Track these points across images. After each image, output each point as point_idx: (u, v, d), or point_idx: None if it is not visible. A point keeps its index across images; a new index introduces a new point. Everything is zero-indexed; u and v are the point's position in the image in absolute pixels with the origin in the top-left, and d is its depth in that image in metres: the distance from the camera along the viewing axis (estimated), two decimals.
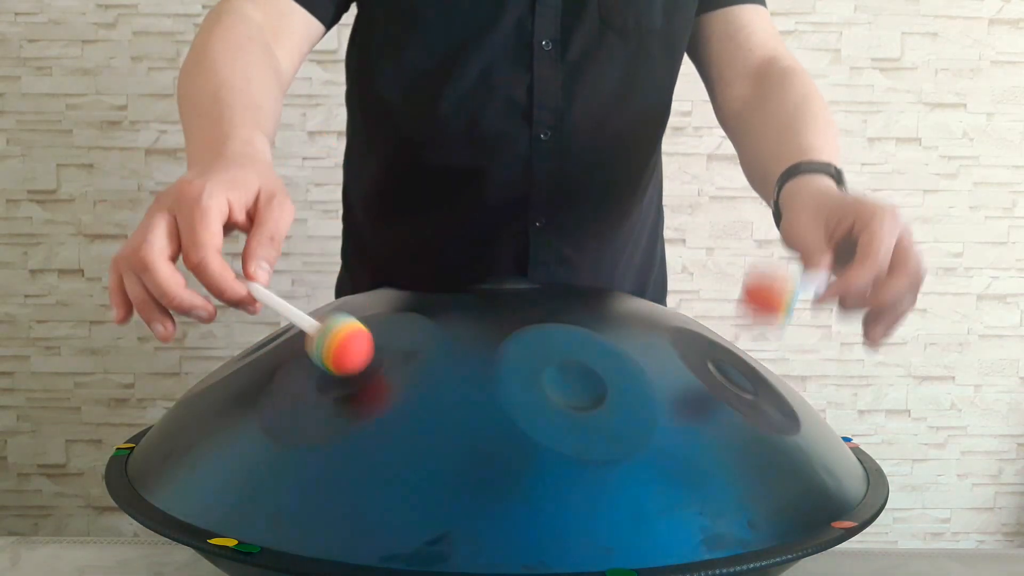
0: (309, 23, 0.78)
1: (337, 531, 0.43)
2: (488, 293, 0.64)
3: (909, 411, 1.60)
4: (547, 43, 0.79)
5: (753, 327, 0.52)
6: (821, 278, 0.55)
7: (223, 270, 0.48)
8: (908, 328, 1.58)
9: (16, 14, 1.45)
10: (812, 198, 0.61)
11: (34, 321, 1.52)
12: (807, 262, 0.57)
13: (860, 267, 0.54)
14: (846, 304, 0.56)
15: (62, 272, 1.51)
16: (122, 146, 1.48)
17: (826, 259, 0.57)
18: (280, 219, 0.51)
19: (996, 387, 1.60)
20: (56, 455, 1.55)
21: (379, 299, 0.64)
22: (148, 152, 1.48)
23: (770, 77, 0.81)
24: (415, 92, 0.81)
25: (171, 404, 0.69)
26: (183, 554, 0.69)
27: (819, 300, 0.56)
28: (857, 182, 1.53)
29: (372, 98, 0.85)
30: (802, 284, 0.54)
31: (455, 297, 0.64)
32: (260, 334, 0.71)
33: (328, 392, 0.51)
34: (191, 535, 0.45)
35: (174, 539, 0.46)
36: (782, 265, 0.52)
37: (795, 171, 0.66)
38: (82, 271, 1.51)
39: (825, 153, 0.68)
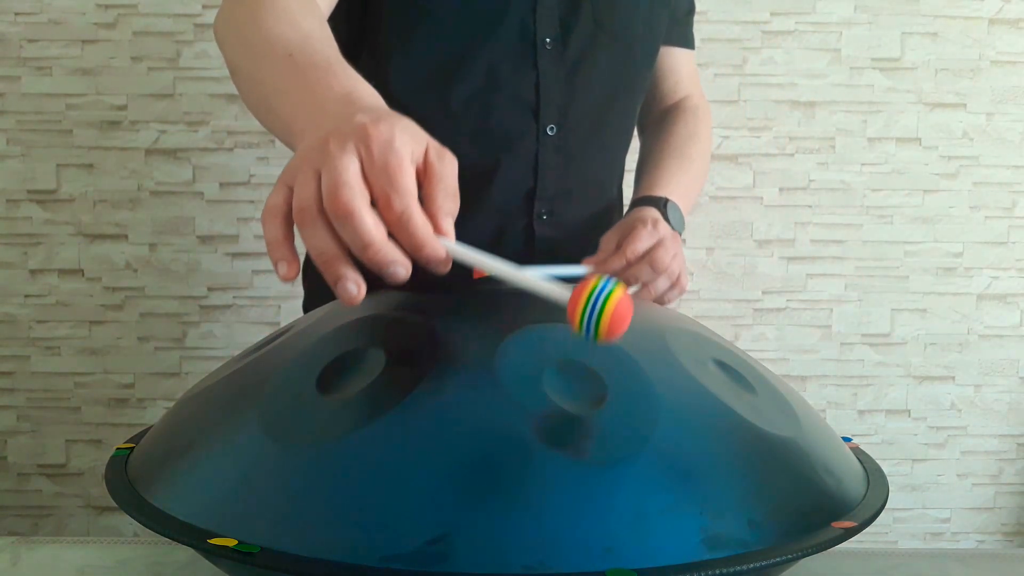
0: None
1: (337, 531, 0.43)
2: (488, 293, 0.64)
3: (909, 411, 1.60)
4: (549, 41, 0.83)
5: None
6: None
7: (427, 223, 0.43)
8: (908, 328, 1.58)
9: (16, 14, 1.45)
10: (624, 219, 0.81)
11: (34, 321, 1.52)
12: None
13: (616, 258, 0.74)
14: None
15: (62, 272, 1.51)
16: (122, 146, 1.48)
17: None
18: (453, 173, 0.46)
19: (996, 387, 1.60)
20: (56, 455, 1.55)
21: (379, 299, 0.64)
22: (148, 152, 1.48)
23: (674, 111, 0.99)
24: (424, 91, 0.82)
25: (171, 404, 0.69)
26: (183, 554, 0.69)
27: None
28: (857, 182, 1.53)
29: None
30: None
31: (455, 297, 0.64)
32: (260, 334, 0.71)
33: (328, 391, 0.51)
34: (191, 535, 0.45)
35: (174, 539, 0.46)
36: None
37: (638, 202, 0.86)
38: (82, 271, 1.50)
39: (669, 188, 0.87)
